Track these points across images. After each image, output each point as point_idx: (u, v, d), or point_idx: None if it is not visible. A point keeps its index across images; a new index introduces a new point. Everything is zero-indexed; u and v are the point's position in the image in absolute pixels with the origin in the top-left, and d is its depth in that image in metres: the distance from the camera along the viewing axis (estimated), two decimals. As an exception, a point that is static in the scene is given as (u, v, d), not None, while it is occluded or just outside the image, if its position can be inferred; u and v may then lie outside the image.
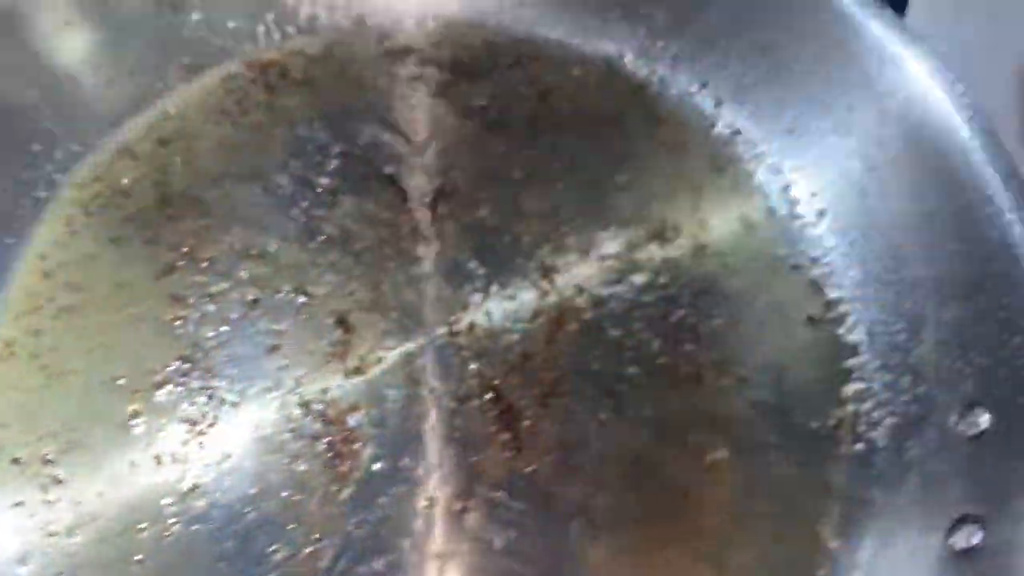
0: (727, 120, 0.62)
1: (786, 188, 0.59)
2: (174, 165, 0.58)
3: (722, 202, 0.59)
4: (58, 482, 0.48)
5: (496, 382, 0.51)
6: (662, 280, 0.55)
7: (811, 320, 0.54)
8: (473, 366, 0.51)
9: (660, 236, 0.57)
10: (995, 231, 0.48)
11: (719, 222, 0.58)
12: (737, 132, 0.62)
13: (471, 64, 0.63)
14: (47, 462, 0.48)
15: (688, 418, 0.51)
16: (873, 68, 0.54)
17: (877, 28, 0.53)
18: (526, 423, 0.50)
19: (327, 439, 0.49)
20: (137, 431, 0.49)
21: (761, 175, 0.60)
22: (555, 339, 0.53)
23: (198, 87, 0.62)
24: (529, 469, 0.49)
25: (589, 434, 0.50)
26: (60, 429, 0.49)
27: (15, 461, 0.48)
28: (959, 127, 0.50)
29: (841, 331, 0.54)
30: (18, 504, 0.47)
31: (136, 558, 0.46)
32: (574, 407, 0.50)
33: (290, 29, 0.63)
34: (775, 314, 0.55)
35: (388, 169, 0.59)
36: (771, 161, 0.60)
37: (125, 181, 0.57)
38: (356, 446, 0.49)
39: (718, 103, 0.62)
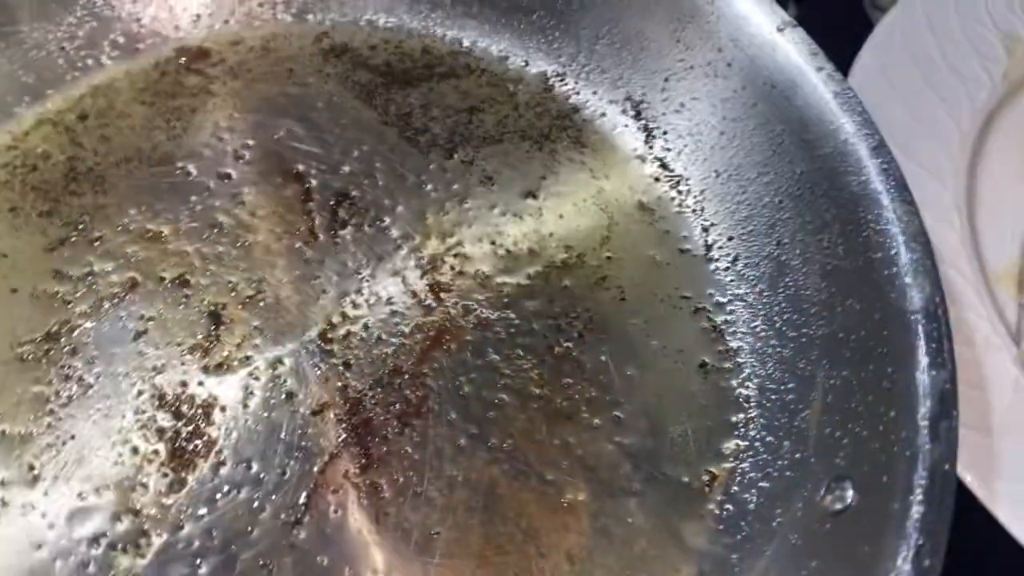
0: (656, 153, 0.60)
1: (705, 230, 0.57)
2: (90, 141, 0.58)
3: (636, 236, 0.57)
4: (-99, 444, 0.47)
5: (358, 395, 0.49)
6: (555, 309, 0.53)
7: (703, 367, 0.52)
8: (338, 376, 0.50)
9: (562, 264, 0.55)
10: (894, 293, 0.46)
11: (628, 256, 0.56)
12: (664, 167, 0.60)
13: (405, 71, 0.62)
14: (-102, 422, 0.48)
15: (552, 454, 0.48)
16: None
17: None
18: (380, 441, 0.48)
19: (175, 432, 0.48)
20: (-12, 401, 0.48)
21: (683, 214, 0.58)
22: (429, 357, 0.51)
23: (129, 67, 0.61)
24: (373, 489, 0.47)
25: (444, 459, 0.48)
26: (-80, 391, 0.49)
27: None
28: (876, 189, 0.48)
29: (733, 383, 0.52)
30: None
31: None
32: (435, 429, 0.49)
33: (230, 19, 0.63)
34: (667, 358, 0.52)
35: (298, 167, 0.58)
36: (694, 201, 0.58)
37: (39, 151, 0.57)
38: (202, 446, 0.48)
39: (649, 135, 0.60)
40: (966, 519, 0.44)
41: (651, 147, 0.60)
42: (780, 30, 0.53)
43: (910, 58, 0.63)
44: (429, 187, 0.57)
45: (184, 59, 0.62)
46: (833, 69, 0.51)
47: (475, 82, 0.63)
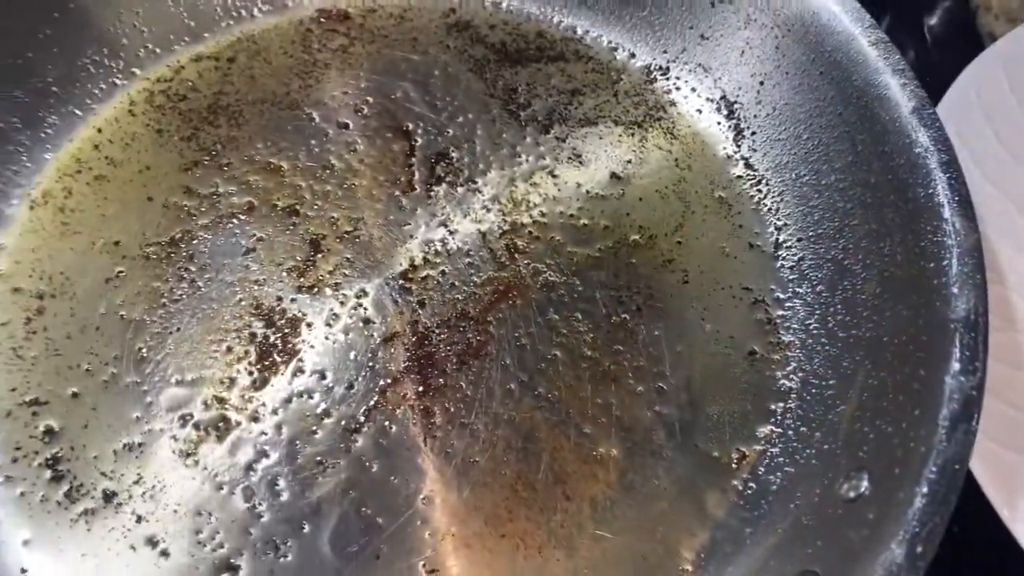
0: (743, 153, 0.63)
1: (778, 229, 0.59)
2: (235, 81, 0.66)
3: (709, 227, 0.60)
4: (40, 313, 0.55)
5: (426, 330, 0.54)
6: (619, 282, 0.57)
7: (752, 355, 0.54)
8: (412, 312, 0.55)
9: (633, 243, 0.58)
10: (939, 301, 0.47)
11: (698, 245, 0.59)
12: (749, 166, 0.62)
13: (518, 51, 0.67)
14: (39, 297, 0.56)
15: (593, 411, 0.52)
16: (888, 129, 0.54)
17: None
18: (439, 374, 0.53)
19: (265, 339, 0.54)
20: (115, 288, 0.56)
21: (758, 212, 0.60)
22: (495, 307, 0.56)
23: (278, 21, 0.69)
24: (426, 414, 0.52)
25: (493, 399, 0.52)
26: (57, 275, 0.57)
27: (16, 290, 0.56)
28: (939, 202, 0.49)
29: (778, 373, 0.54)
30: (6, 322, 0.55)
31: (77, 392, 0.52)
32: (489, 372, 0.53)
33: (373, -13, 0.70)
34: (718, 342, 0.55)
35: (407, 125, 0.63)
36: (771, 201, 0.60)
37: (190, 83, 0.65)
38: (286, 354, 0.54)
39: (739, 134, 0.63)
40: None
41: (739, 146, 0.63)
42: (872, 44, 0.55)
43: (1010, 88, 0.63)
44: (522, 158, 0.62)
45: (325, 19, 0.69)
46: (916, 85, 0.52)
47: (582, 67, 0.67)
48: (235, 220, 0.58)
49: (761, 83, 0.62)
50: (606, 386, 0.53)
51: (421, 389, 0.52)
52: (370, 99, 0.64)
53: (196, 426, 0.52)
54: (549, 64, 0.67)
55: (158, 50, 0.66)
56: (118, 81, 0.65)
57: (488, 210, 0.59)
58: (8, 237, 0.58)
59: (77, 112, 0.63)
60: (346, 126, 0.63)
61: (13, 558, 0.48)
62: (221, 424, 0.51)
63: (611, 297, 0.56)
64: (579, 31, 0.69)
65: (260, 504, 0.49)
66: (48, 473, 0.50)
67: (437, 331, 0.54)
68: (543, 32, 0.68)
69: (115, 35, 0.65)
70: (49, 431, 0.51)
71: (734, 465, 0.51)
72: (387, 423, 0.52)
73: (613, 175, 0.61)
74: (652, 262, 0.58)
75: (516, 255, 0.57)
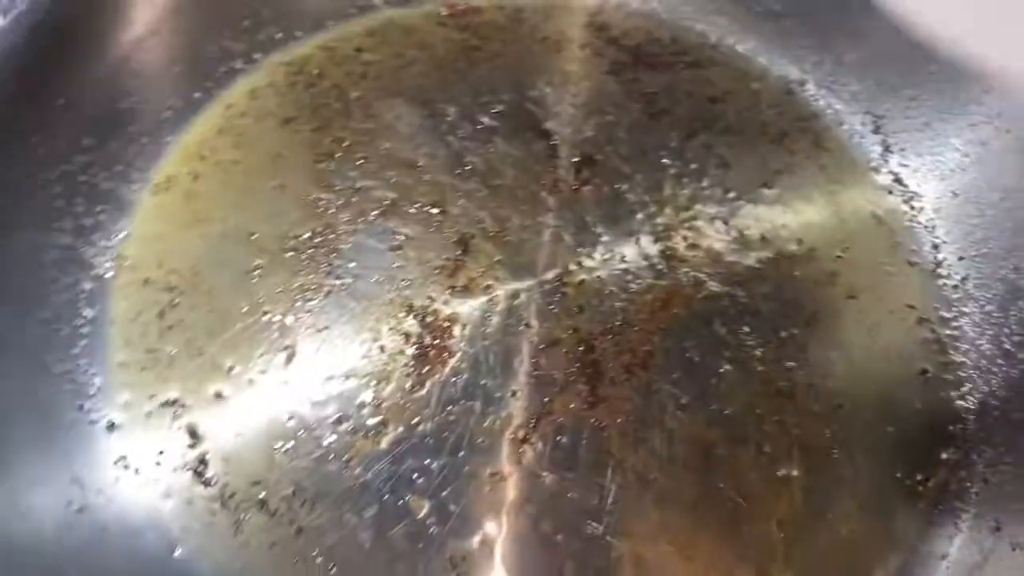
0: (891, 168, 0.61)
1: (935, 247, 0.58)
2: (361, 72, 0.62)
3: (867, 242, 0.58)
4: (173, 307, 0.51)
5: (590, 338, 0.51)
6: (784, 295, 0.55)
7: (924, 374, 0.52)
8: (571, 317, 0.52)
9: (792, 256, 0.56)
10: None
11: (858, 259, 0.57)
12: (899, 182, 0.60)
13: (654, 55, 0.65)
14: (169, 290, 0.52)
15: (770, 429, 0.50)
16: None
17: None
18: (607, 384, 0.50)
19: (420, 340, 0.51)
20: (254, 283, 0.52)
21: (913, 229, 0.58)
22: (658, 317, 0.53)
23: (403, 13, 0.66)
24: (597, 425, 0.49)
25: (666, 413, 0.49)
26: (188, 267, 0.53)
27: (146, 281, 0.52)
28: None
29: (953, 394, 0.52)
30: (137, 316, 0.51)
31: (220, 392, 0.49)
32: (659, 384, 0.50)
33: (502, -16, 0.67)
34: (888, 361, 0.53)
35: (548, 125, 0.61)
36: (926, 219, 0.59)
37: (316, 72, 0.62)
38: (444, 355, 0.51)
39: (886, 149, 0.61)
40: None
41: (887, 161, 0.61)
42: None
43: None
44: (667, 162, 0.60)
45: (451, 13, 0.66)
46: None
47: (719, 74, 0.65)
48: (378, 218, 0.55)
49: (911, 99, 0.61)
50: (781, 404, 0.50)
51: (591, 400, 0.50)
52: (506, 97, 0.62)
53: (353, 430, 0.48)
54: (685, 70, 0.65)
55: (280, 35, 0.63)
56: (239, 65, 0.61)
57: (638, 215, 0.57)
58: (132, 225, 0.54)
59: (197, 95, 0.60)
60: (481, 123, 0.60)
61: (164, 567, 0.44)
62: (381, 427, 0.48)
63: (776, 311, 0.54)
64: (713, 38, 0.67)
65: (430, 518, 0.46)
66: (196, 479, 0.46)
67: (600, 339, 0.52)
68: (677, 38, 0.67)
69: (239, 18, 0.62)
70: (192, 432, 0.47)
71: (920, 488, 0.49)
72: (556, 435, 0.48)
73: (763, 184, 0.59)
74: (814, 276, 0.55)
75: (674, 263, 0.55)
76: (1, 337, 0.47)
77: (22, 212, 0.49)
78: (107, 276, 0.52)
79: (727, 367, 0.51)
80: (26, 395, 0.46)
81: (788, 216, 0.58)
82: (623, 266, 0.55)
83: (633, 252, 0.55)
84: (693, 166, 0.60)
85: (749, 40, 0.66)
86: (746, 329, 0.53)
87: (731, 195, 0.59)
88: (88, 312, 0.50)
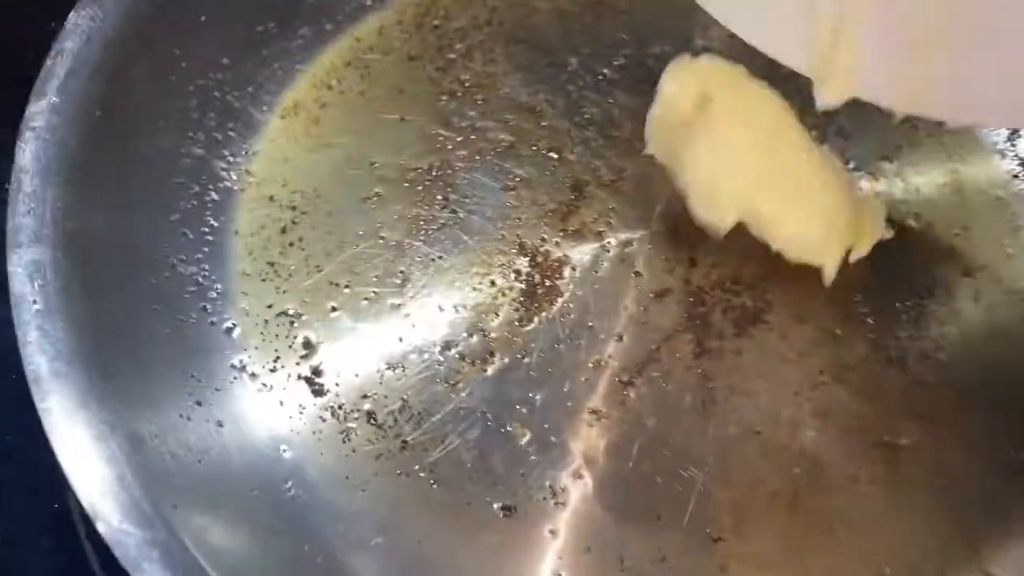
0: (1019, 152, 0.59)
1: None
2: (487, 18, 0.63)
3: (987, 223, 0.56)
4: (294, 224, 0.53)
5: (700, 290, 0.51)
6: (900, 268, 0.54)
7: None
8: (684, 269, 0.52)
9: (912, 231, 0.55)
10: None
11: (979, 239, 0.56)
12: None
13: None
14: (292, 208, 0.54)
15: (878, 396, 0.49)
16: None
17: None
18: (715, 336, 0.50)
19: (530, 277, 0.51)
20: (373, 209, 0.53)
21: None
22: (772, 275, 0.52)
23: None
24: (704, 375, 0.49)
25: (778, 367, 0.49)
26: (312, 189, 0.54)
27: (271, 198, 0.54)
28: None
29: (1073, 381, 0.51)
30: (260, 229, 0.53)
31: (335, 306, 0.50)
32: (769, 341, 0.50)
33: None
34: (1001, 338, 0.52)
35: (668, 82, 0.60)
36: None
37: (442, 14, 0.63)
38: (553, 294, 0.51)
39: (1014, 134, 0.60)
40: None
41: (1013, 144, 0.59)
42: None
43: None
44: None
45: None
46: None
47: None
48: (494, 157, 0.56)
49: (1047, 82, 0.59)
50: (892, 371, 0.50)
51: (698, 351, 0.49)
52: (628, 51, 0.61)
53: (461, 356, 0.49)
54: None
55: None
56: (369, 1, 0.62)
57: (755, 177, 0.56)
58: (260, 144, 0.56)
59: (327, 27, 0.61)
60: (603, 75, 0.60)
61: (273, 465, 0.45)
62: (488, 355, 0.49)
63: (891, 282, 0.53)
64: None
65: (531, 446, 0.46)
66: (308, 388, 0.47)
67: (711, 292, 0.51)
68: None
69: (369, -47, 0.62)
70: (307, 344, 0.49)
71: (1031, 467, 0.47)
72: (661, 381, 0.48)
73: (884, 157, 0.58)
74: (931, 251, 0.54)
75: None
76: (134, 235, 0.48)
77: (161, 119, 0.51)
78: (235, 189, 0.53)
79: (837, 331, 0.51)
80: (154, 292, 0.48)
81: (906, 192, 0.57)
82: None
83: (748, 212, 0.55)
84: (812, 133, 0.59)
85: None
86: (859, 298, 0.52)
87: (851, 164, 0.58)
88: (214, 221, 0.52)
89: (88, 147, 0.46)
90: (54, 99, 0.44)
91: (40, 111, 0.44)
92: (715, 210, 0.49)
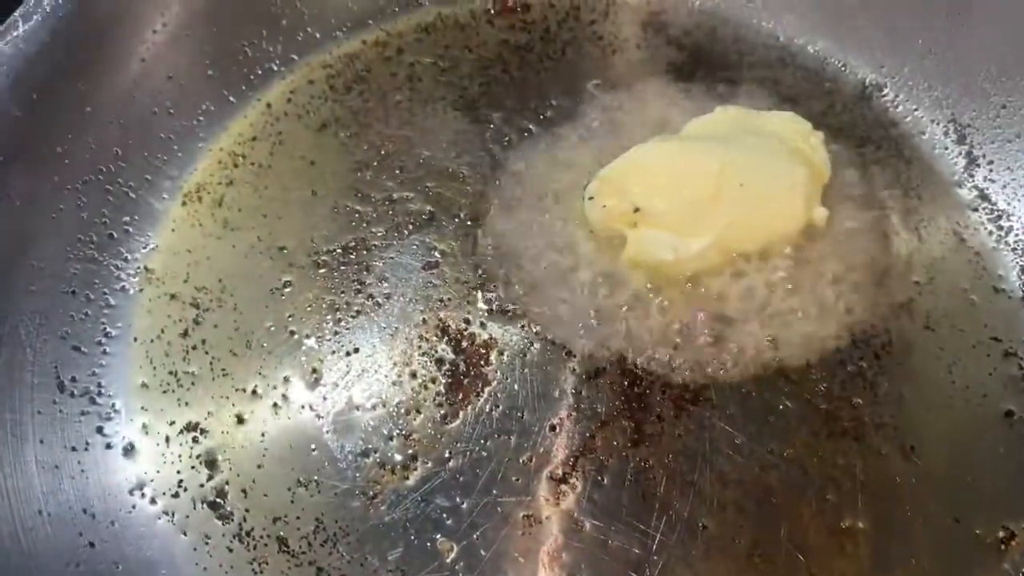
0: (977, 182, 0.55)
1: (1024, 270, 0.52)
2: (402, 75, 0.59)
3: (947, 264, 0.52)
4: (198, 324, 0.49)
5: (636, 368, 0.48)
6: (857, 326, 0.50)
7: (1009, 416, 0.47)
8: (618, 344, 0.48)
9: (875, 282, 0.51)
10: None
11: (937, 285, 0.52)
12: (985, 198, 0.55)
13: (715, 54, 0.60)
14: (195, 306, 0.50)
15: (834, 473, 0.45)
16: None
17: None
18: (654, 420, 0.46)
19: (454, 365, 0.48)
20: (283, 300, 0.50)
21: (1000, 251, 0.53)
22: (712, 347, 0.49)
23: (452, 11, 0.62)
24: (643, 465, 0.45)
25: (719, 453, 0.45)
26: (216, 282, 0.51)
27: (172, 296, 0.50)
28: None
29: (1041, 440, 0.47)
30: (159, 335, 0.49)
31: (243, 416, 0.46)
32: (712, 421, 0.46)
33: None
34: (968, 400, 0.48)
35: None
36: (1015, 240, 0.53)
37: (353, 75, 0.59)
38: (479, 383, 0.47)
39: (971, 162, 0.56)
40: None
41: (972, 175, 0.56)
42: None
43: None
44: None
45: (502, 11, 0.62)
46: None
47: (789, 75, 0.60)
48: (414, 231, 0.52)
49: (1003, 107, 0.55)
50: (847, 445, 0.46)
51: (636, 437, 0.46)
52: (554, 101, 0.58)
53: (380, 463, 0.45)
54: (751, 70, 0.60)
55: (318, 35, 0.60)
56: (275, 67, 0.59)
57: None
58: (160, 236, 0.52)
59: (232, 99, 0.57)
60: (529, 131, 0.56)
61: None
62: (410, 461, 0.45)
63: (848, 343, 0.49)
64: (782, 38, 0.62)
65: (458, 563, 0.43)
66: (214, 513, 0.44)
67: (648, 369, 0.47)
68: (741, 36, 0.62)
69: (275, 15, 0.59)
70: (211, 463, 0.45)
71: (1002, 545, 0.44)
72: (598, 475, 0.45)
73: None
74: (888, 301, 0.50)
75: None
76: (20, 356, 0.44)
77: (45, 224, 0.47)
78: (132, 291, 0.50)
79: (787, 403, 0.47)
80: (43, 415, 0.44)
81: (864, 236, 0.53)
82: (676, 288, 0.50)
83: (687, 273, 0.51)
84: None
85: (820, 40, 0.61)
86: (808, 360, 0.48)
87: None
88: (110, 329, 0.48)
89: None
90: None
91: None
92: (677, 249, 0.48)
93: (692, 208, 0.49)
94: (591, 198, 0.50)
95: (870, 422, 0.47)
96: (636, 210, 0.49)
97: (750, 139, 0.51)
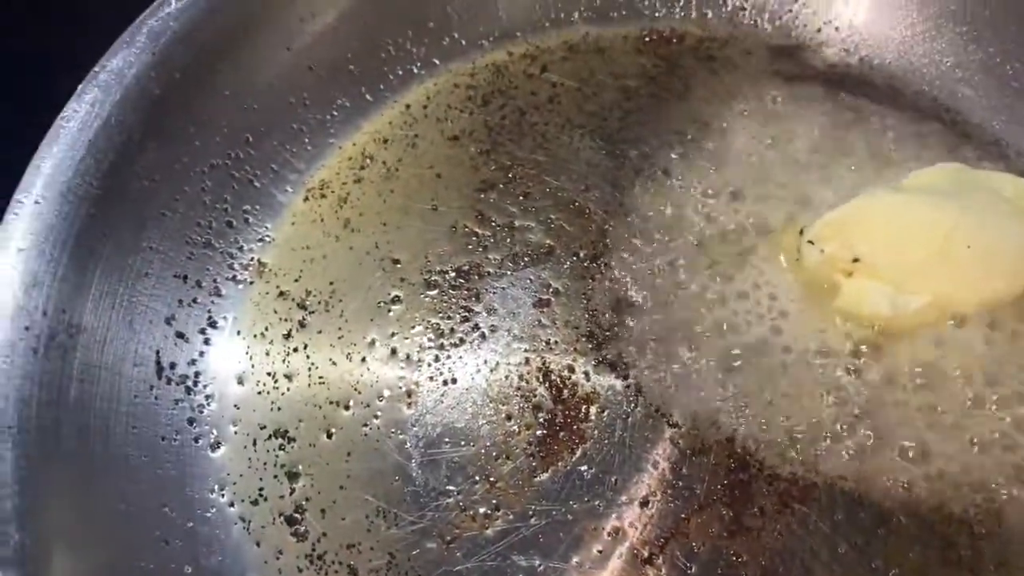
0: None
1: None
2: (542, 95, 0.57)
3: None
4: (303, 326, 0.48)
5: (744, 453, 0.45)
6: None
7: None
8: (730, 424, 0.45)
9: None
10: None
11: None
12: None
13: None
14: (302, 307, 0.49)
15: (941, 604, 0.41)
16: None
17: None
18: (755, 512, 0.43)
19: (551, 416, 0.46)
20: (389, 315, 0.48)
21: None
22: (824, 439, 0.45)
23: (602, 32, 0.60)
24: (734, 559, 0.42)
25: (818, 560, 0.42)
26: (326, 284, 0.50)
27: (282, 294, 0.49)
28: None
29: None
30: (263, 332, 0.48)
31: (331, 430, 0.45)
32: (815, 524, 0.43)
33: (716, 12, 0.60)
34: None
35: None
36: None
37: (493, 88, 0.57)
38: (575, 439, 0.45)
39: None
40: None
41: None
42: None
43: None
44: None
45: (655, 38, 0.59)
46: None
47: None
48: (530, 264, 0.50)
49: None
50: (961, 573, 0.42)
51: (733, 528, 0.43)
52: (696, 142, 0.54)
53: (462, 507, 0.43)
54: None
55: (464, 41, 0.58)
56: (416, 69, 0.57)
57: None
58: (278, 230, 0.51)
59: (368, 97, 0.56)
60: (667, 172, 0.53)
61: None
62: (492, 510, 0.43)
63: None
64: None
65: (528, 626, 0.41)
66: (289, 529, 0.43)
67: (758, 456, 0.44)
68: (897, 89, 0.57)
69: (423, 17, 0.57)
70: (294, 475, 0.44)
71: None
72: (687, 562, 0.42)
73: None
74: (1030, 425, 0.46)
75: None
76: (125, 335, 0.44)
77: (166, 206, 0.47)
78: (243, 283, 0.49)
79: (902, 518, 0.43)
80: (139, 400, 0.44)
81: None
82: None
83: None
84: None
85: (999, 117, 0.56)
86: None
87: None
88: (216, 319, 0.48)
89: (80, 244, 0.42)
90: (39, 200, 0.41)
91: (26, 213, 0.40)
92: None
93: (915, 264, 0.47)
94: (811, 241, 0.48)
95: (990, 555, 0.43)
96: (855, 260, 0.47)
97: (975, 196, 0.48)
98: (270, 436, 0.45)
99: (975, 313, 0.48)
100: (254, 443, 0.45)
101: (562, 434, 0.45)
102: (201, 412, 0.46)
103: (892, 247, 0.47)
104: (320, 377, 0.47)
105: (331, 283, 0.50)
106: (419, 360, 0.47)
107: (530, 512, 0.43)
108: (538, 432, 0.45)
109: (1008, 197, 0.49)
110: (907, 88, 0.57)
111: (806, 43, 0.59)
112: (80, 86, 0.44)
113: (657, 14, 0.60)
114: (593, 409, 0.46)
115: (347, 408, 0.46)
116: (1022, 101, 0.56)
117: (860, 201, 0.49)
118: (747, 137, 0.54)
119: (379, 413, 0.46)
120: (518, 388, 0.46)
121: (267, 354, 0.47)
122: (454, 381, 0.47)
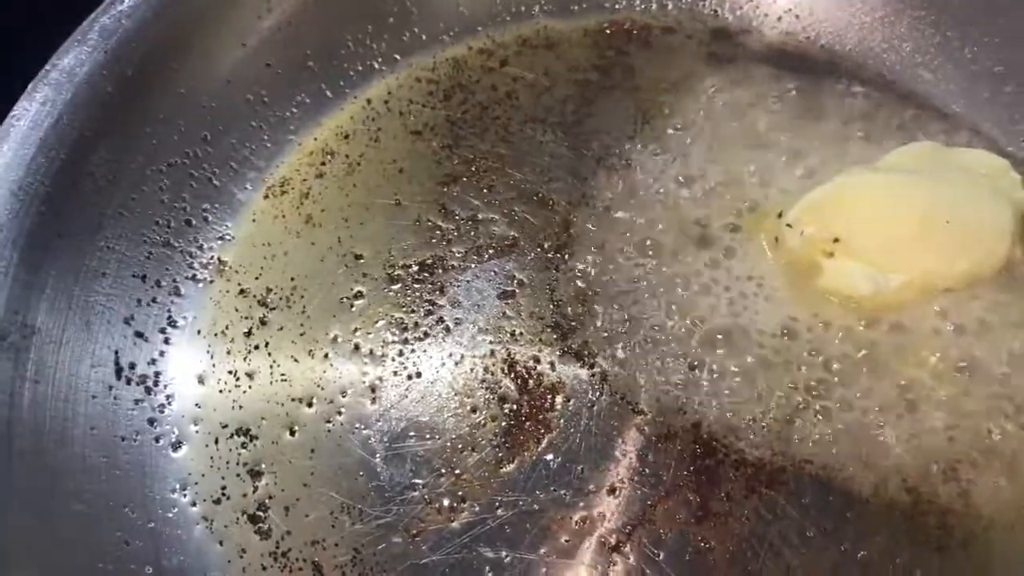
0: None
1: None
2: (504, 89, 0.57)
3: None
4: (264, 324, 0.48)
5: (712, 438, 0.44)
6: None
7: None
8: (694, 409, 0.45)
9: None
10: None
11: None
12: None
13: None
14: (264, 304, 0.49)
15: (910, 579, 0.41)
16: None
17: None
18: (722, 497, 0.43)
19: (517, 407, 0.45)
20: (352, 311, 0.48)
21: None
22: (796, 422, 0.45)
23: (562, 26, 0.60)
24: (702, 545, 0.42)
25: (786, 543, 0.42)
26: (288, 280, 0.49)
27: (242, 291, 0.49)
28: None
29: None
30: (224, 330, 0.48)
31: (294, 427, 0.45)
32: (784, 508, 0.43)
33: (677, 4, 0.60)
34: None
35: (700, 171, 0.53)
36: None
37: (455, 83, 0.57)
38: (541, 429, 0.45)
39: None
40: None
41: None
42: None
43: None
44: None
45: (614, 30, 0.59)
46: None
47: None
48: (494, 256, 0.49)
49: None
50: (929, 557, 0.42)
51: (700, 514, 0.42)
52: (657, 133, 0.54)
53: (427, 499, 0.43)
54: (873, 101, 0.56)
55: (425, 36, 0.58)
56: (377, 65, 0.57)
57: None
58: (238, 228, 0.51)
59: (329, 93, 0.56)
60: (629, 161, 0.53)
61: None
62: (458, 503, 0.43)
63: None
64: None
65: (494, 621, 0.40)
66: (252, 527, 0.42)
67: (724, 441, 0.44)
68: (862, 77, 0.57)
69: (383, 13, 0.57)
70: (256, 472, 0.44)
71: None
72: (655, 549, 0.42)
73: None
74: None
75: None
76: (82, 337, 0.44)
77: (123, 205, 0.46)
78: (203, 281, 0.49)
79: (871, 501, 0.43)
80: (97, 400, 0.43)
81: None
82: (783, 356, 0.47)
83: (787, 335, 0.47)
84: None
85: (958, 100, 0.56)
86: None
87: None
88: (178, 319, 0.47)
89: (32, 243, 0.41)
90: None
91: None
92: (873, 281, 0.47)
93: (895, 243, 0.48)
94: (790, 224, 0.48)
95: (959, 533, 0.43)
96: (836, 240, 0.47)
97: (951, 175, 0.49)
98: (232, 435, 0.45)
99: (950, 292, 0.48)
100: (216, 442, 0.44)
101: (528, 424, 0.45)
102: (162, 412, 0.45)
103: (872, 227, 0.48)
104: (282, 374, 0.46)
105: (292, 280, 0.49)
106: (383, 355, 0.47)
107: (496, 503, 0.43)
108: (504, 423, 0.45)
109: (984, 174, 0.50)
110: (867, 73, 0.57)
111: (767, 30, 0.59)
112: (31, 84, 0.44)
113: (617, 6, 0.60)
114: (559, 399, 0.46)
115: (310, 405, 0.45)
116: (981, 84, 0.56)
117: (838, 182, 0.49)
118: (708, 123, 0.54)
119: (342, 409, 0.45)
120: (483, 380, 0.46)
121: (228, 352, 0.47)
122: (419, 375, 0.46)
